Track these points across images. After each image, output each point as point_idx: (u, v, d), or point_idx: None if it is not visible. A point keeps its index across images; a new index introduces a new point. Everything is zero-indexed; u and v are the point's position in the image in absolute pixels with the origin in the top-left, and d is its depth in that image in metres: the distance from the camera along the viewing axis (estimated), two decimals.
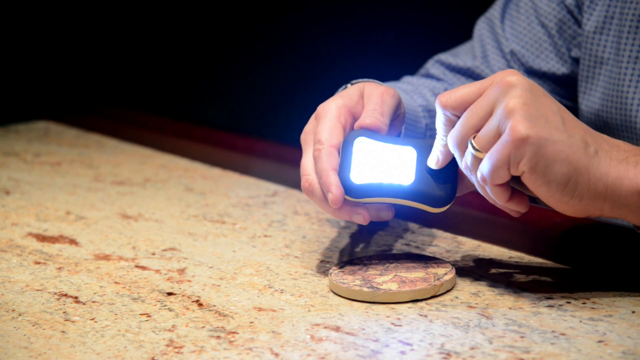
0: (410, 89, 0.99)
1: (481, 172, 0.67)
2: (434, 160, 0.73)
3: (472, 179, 0.70)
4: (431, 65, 1.07)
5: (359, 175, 0.73)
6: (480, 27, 1.06)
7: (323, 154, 0.73)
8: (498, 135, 0.66)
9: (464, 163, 0.69)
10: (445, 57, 1.07)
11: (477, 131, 0.67)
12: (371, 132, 0.74)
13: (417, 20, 1.90)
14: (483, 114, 0.67)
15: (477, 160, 0.67)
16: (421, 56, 1.16)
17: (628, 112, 0.90)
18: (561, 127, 0.66)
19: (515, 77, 0.67)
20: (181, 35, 2.02)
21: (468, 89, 0.69)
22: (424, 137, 0.93)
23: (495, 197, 0.69)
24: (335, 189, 0.72)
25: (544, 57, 1.00)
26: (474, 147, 0.67)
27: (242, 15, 2.01)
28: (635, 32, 0.90)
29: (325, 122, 0.75)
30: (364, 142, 0.74)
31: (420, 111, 0.95)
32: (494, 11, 1.05)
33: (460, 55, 1.06)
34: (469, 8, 1.35)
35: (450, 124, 0.70)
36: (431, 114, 0.95)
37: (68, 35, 1.85)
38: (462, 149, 0.69)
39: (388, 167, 0.73)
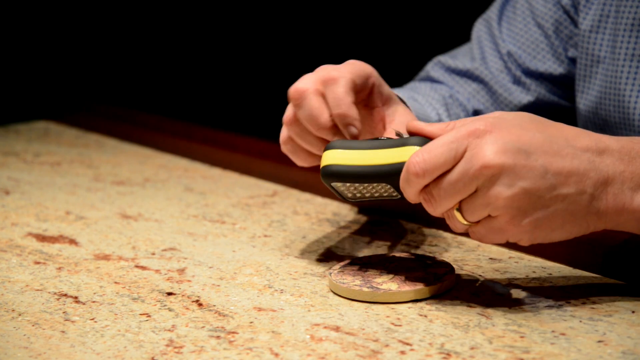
0: (423, 101, 1.00)
1: (476, 236, 0.67)
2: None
3: (450, 222, 0.68)
4: (431, 68, 1.08)
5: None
6: (478, 28, 1.06)
7: (342, 83, 0.73)
8: (488, 214, 0.65)
9: (447, 221, 0.68)
10: (444, 59, 1.07)
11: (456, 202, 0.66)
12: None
13: (417, 21, 1.90)
14: (466, 190, 0.65)
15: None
16: (421, 57, 1.16)
17: (626, 109, 0.90)
18: (555, 191, 0.65)
19: (496, 157, 0.63)
20: (181, 35, 2.02)
21: (442, 155, 0.64)
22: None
23: (480, 241, 0.69)
24: (358, 124, 0.73)
25: (541, 57, 1.00)
26: (460, 220, 0.67)
27: (242, 15, 2.01)
28: (631, 30, 0.90)
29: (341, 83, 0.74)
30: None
31: None
32: (492, 12, 1.05)
33: (459, 57, 1.06)
34: (468, 9, 1.36)
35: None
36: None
37: (68, 35, 1.85)
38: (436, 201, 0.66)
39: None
